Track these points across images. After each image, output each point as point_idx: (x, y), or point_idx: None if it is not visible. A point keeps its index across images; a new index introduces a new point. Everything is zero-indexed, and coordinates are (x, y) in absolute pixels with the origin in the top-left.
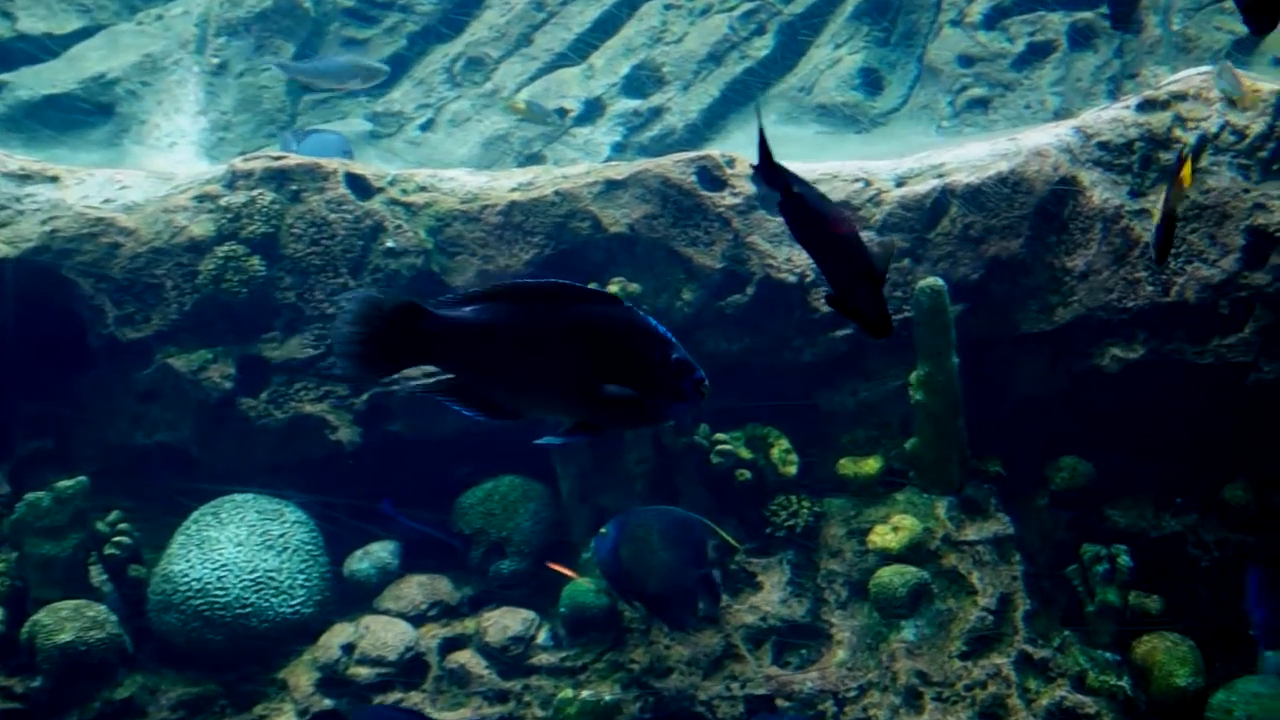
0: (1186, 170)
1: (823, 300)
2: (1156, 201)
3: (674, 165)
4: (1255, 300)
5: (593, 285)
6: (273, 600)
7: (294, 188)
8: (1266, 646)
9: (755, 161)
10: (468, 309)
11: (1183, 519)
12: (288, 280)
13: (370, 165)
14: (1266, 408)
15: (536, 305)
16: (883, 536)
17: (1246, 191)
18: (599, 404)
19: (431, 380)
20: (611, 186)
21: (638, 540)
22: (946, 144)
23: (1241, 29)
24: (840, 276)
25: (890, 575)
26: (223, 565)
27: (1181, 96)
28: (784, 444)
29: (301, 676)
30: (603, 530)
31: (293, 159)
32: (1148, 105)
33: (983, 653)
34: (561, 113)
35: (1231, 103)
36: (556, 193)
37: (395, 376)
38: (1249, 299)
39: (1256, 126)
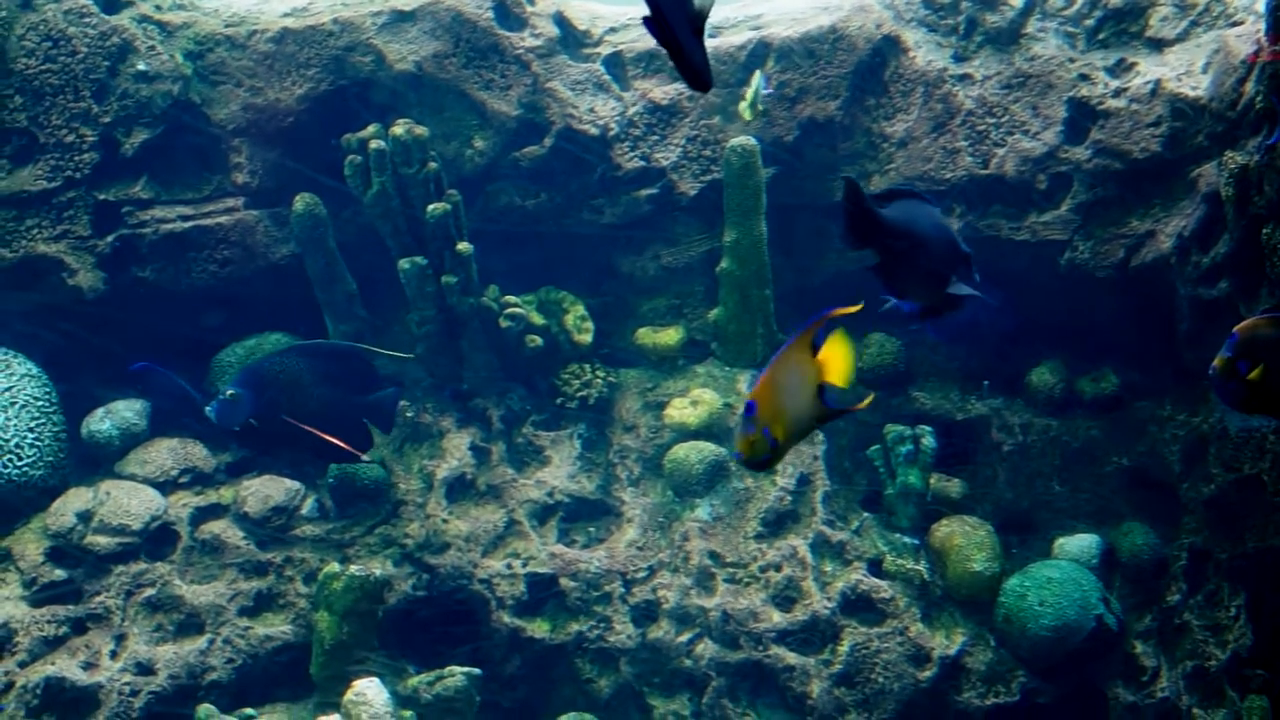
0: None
1: (627, 156)
2: (980, 66)
3: None
4: (1074, 176)
5: (373, 126)
6: None
7: None
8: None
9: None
10: (885, 208)
11: (989, 402)
12: (19, 100)
13: None
14: (1078, 288)
15: (918, 205)
16: (681, 411)
17: (1072, 61)
18: (947, 293)
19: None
20: (399, 18)
21: (285, 386)
22: None
23: None
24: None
25: (687, 452)
26: None
27: None
28: (580, 310)
29: (30, 545)
30: (229, 393)
31: None
32: None
33: (779, 534)
34: None
35: None
36: (335, 21)
37: None
38: (1068, 174)
39: None
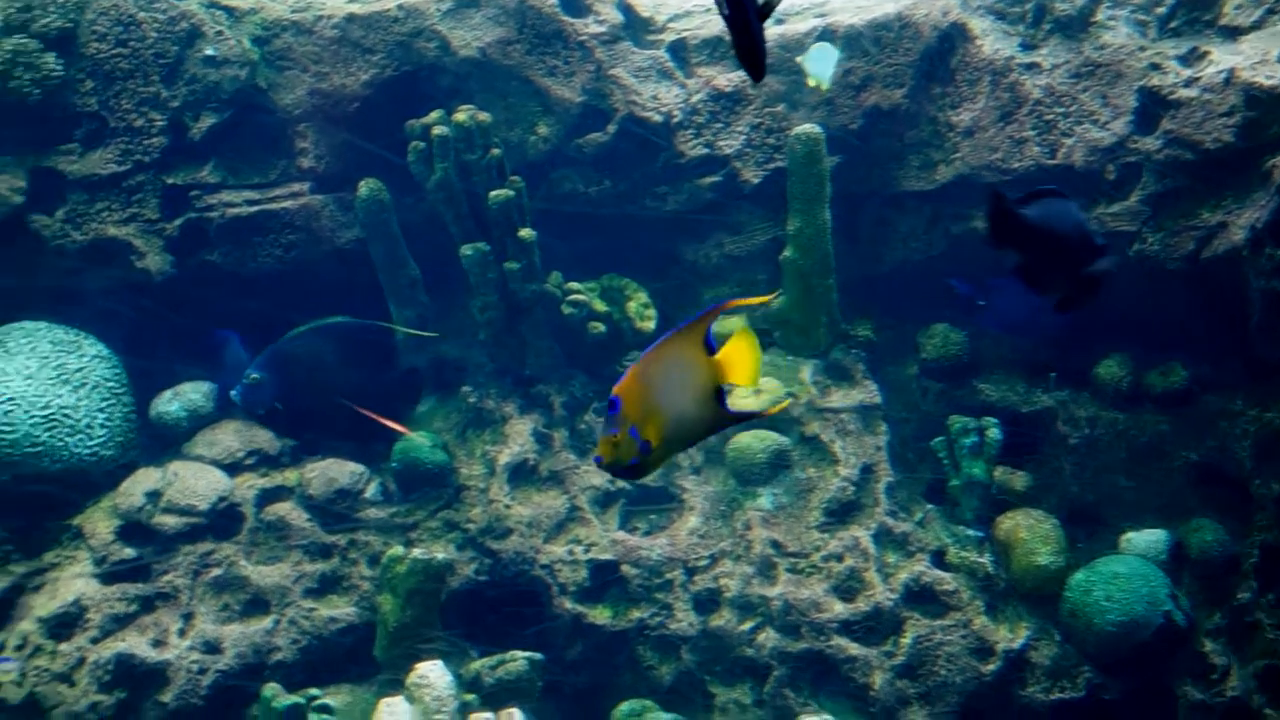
0: None
1: (691, 144)
2: (1048, 55)
3: None
4: (1144, 166)
5: (437, 112)
6: (68, 440)
7: None
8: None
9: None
10: (1026, 208)
11: (1055, 394)
12: (90, 84)
13: None
14: (1147, 280)
15: (1057, 202)
16: (743, 399)
17: (1142, 50)
18: (1083, 283)
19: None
20: (463, 4)
21: (311, 369)
22: None
23: None
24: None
25: (749, 440)
26: (10, 399)
27: None
28: (642, 297)
29: (100, 523)
30: (252, 377)
31: None
32: None
33: (842, 524)
34: None
35: None
36: (400, 7)
37: None
38: (1138, 165)
39: None
